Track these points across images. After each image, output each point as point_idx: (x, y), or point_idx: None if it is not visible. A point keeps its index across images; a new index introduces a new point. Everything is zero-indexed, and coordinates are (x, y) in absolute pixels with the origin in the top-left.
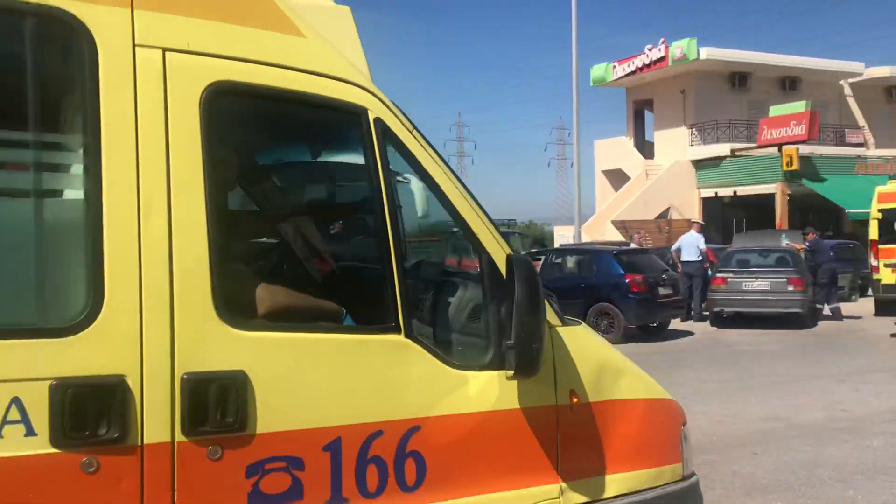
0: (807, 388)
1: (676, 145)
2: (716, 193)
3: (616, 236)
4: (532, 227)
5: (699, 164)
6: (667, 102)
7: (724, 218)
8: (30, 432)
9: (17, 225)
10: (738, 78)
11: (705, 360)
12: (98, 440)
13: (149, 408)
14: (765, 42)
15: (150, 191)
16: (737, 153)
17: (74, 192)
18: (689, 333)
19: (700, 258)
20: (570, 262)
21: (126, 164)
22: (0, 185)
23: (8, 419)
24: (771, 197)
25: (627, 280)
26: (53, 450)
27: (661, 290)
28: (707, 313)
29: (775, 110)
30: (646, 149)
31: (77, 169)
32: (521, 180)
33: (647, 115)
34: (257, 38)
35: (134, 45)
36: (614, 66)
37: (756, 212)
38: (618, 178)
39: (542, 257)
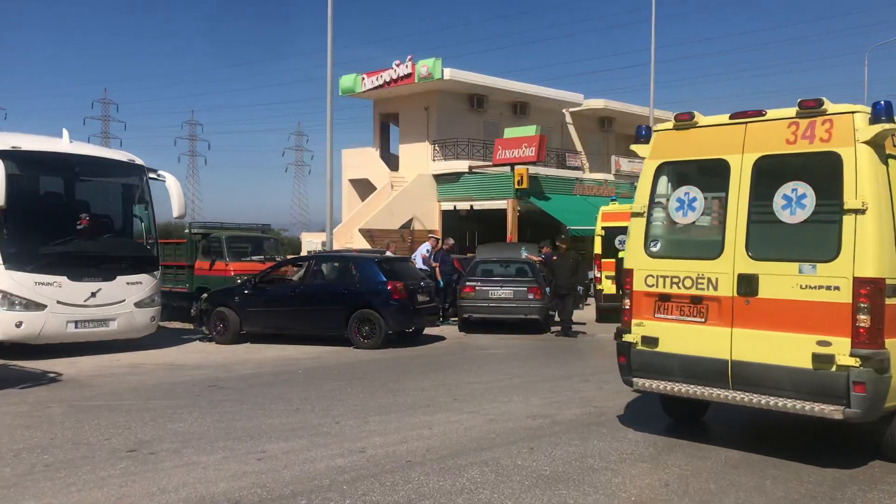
0: (559, 387)
1: (419, 159)
2: (454, 207)
3: (363, 244)
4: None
5: (440, 179)
6: (411, 117)
7: (461, 230)
8: None
9: None
10: (477, 99)
11: (462, 363)
12: None
13: None
14: (501, 67)
15: None
16: (474, 170)
17: None
18: (441, 338)
19: (426, 267)
20: (332, 268)
21: None
22: None
23: None
24: (503, 212)
25: (389, 287)
26: None
27: (420, 297)
28: (455, 319)
29: (509, 132)
30: (391, 161)
31: None
32: (256, 184)
33: (393, 127)
34: None
35: None
36: (363, 78)
37: (489, 225)
38: (364, 187)
39: (304, 264)
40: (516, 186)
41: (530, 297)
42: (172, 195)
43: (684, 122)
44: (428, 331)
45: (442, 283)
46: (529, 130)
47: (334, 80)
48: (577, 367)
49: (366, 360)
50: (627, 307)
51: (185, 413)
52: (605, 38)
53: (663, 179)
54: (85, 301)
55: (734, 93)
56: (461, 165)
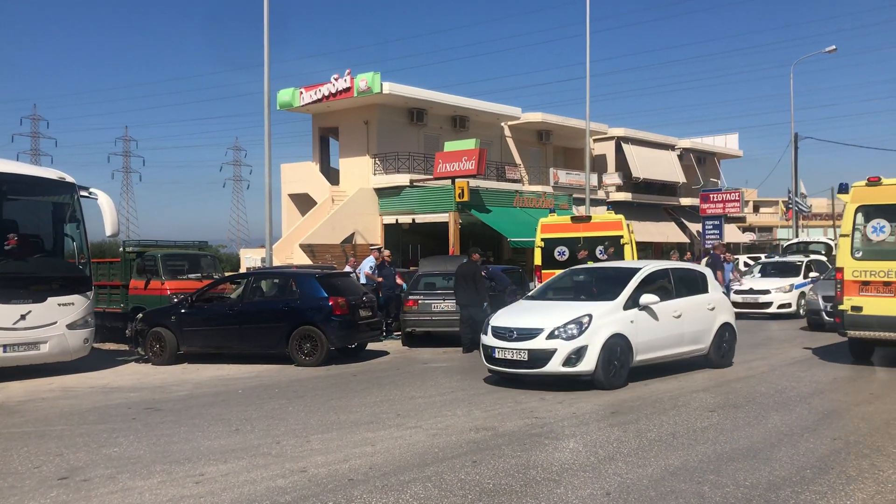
0: (501, 399)
1: (360, 173)
2: (396, 220)
3: (304, 259)
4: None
5: (381, 192)
6: (351, 131)
7: (403, 243)
8: None
9: None
10: (416, 113)
11: (406, 378)
12: None
13: None
14: (441, 81)
15: None
16: (415, 183)
17: None
18: (384, 353)
19: (366, 282)
20: (272, 285)
21: None
22: None
23: None
24: (444, 225)
25: (331, 303)
26: None
27: (362, 313)
28: (399, 334)
29: (449, 146)
30: (331, 175)
31: None
32: (193, 201)
33: (333, 141)
34: None
35: None
36: (301, 92)
37: (432, 238)
38: (304, 202)
39: (243, 281)
40: (457, 199)
41: None
42: (105, 213)
43: (874, 182)
44: (371, 346)
45: (383, 298)
46: (469, 144)
47: (272, 94)
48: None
49: (307, 377)
50: (840, 289)
51: (119, 437)
52: (542, 52)
53: (860, 215)
54: (14, 324)
55: (668, 105)
56: (402, 179)
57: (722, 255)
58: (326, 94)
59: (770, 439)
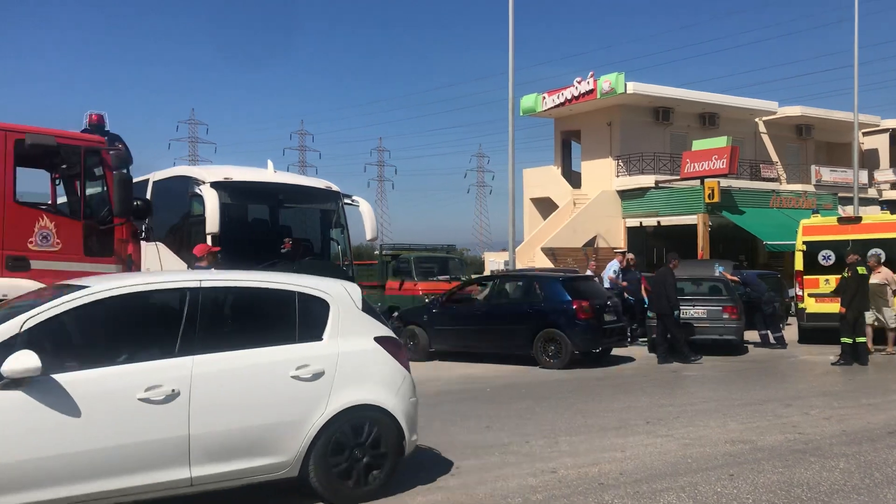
0: (759, 411)
1: (603, 175)
2: (640, 223)
3: (545, 263)
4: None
5: (624, 195)
6: (594, 134)
7: (647, 247)
8: None
9: None
10: (662, 112)
11: (653, 385)
12: None
13: None
14: (687, 77)
15: None
16: (660, 184)
17: None
18: (630, 359)
19: (610, 286)
20: (517, 287)
21: None
22: None
23: None
24: (692, 227)
25: (574, 306)
26: None
27: (607, 317)
28: (645, 339)
29: (697, 144)
30: (573, 178)
31: None
32: (439, 206)
33: (575, 145)
34: None
35: None
36: (544, 97)
37: (678, 241)
38: (546, 206)
39: (489, 283)
40: (707, 200)
41: (725, 316)
42: (365, 219)
43: None
44: (616, 351)
45: (633, 300)
46: (720, 142)
47: (515, 100)
48: (779, 390)
49: (552, 380)
50: None
51: None
52: (801, 41)
53: None
54: None
55: None
56: (647, 180)
57: None
58: (569, 97)
59: None
